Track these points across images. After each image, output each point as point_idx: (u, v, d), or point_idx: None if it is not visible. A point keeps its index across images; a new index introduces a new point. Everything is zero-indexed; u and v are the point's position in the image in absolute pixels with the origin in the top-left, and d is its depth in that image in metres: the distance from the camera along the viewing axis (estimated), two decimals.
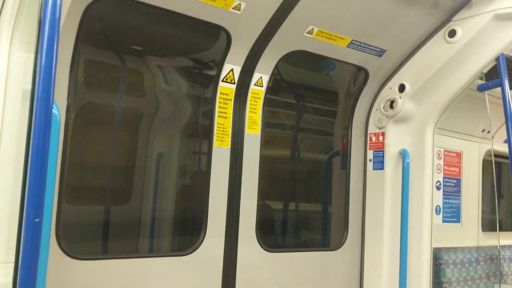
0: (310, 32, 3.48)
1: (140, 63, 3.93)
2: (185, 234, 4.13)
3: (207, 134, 3.46)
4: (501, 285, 4.36)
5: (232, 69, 3.42)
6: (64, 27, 2.51)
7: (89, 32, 3.07)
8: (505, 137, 3.55)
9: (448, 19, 3.68)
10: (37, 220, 1.67)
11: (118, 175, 4.08)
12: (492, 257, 4.45)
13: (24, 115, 2.17)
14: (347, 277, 4.06)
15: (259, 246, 3.55)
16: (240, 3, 3.07)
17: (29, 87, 2.11)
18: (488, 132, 4.63)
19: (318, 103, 4.87)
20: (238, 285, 3.44)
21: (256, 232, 3.54)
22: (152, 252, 4.05)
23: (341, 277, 4.02)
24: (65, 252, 2.78)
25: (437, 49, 3.74)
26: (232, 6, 3.07)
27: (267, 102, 3.69)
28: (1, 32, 2.29)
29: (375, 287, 3.99)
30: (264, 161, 3.67)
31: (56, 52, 1.82)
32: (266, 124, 3.75)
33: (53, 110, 1.84)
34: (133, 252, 3.90)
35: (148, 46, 3.84)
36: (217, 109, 3.41)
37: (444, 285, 3.94)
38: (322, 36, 3.54)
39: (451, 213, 4.25)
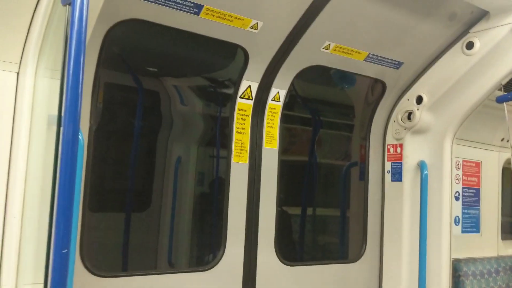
0: (327, 48, 3.49)
1: (157, 84, 3.97)
2: (205, 248, 4.18)
3: (226, 150, 3.49)
4: None
5: (249, 86, 3.45)
6: (87, 52, 2.56)
7: (109, 56, 3.13)
8: None
9: (465, 31, 3.66)
10: (65, 251, 1.71)
11: (138, 195, 4.15)
12: None
13: (49, 140, 2.22)
14: None
15: (278, 260, 3.57)
16: (257, 22, 3.10)
17: (54, 112, 2.17)
18: (507, 141, 4.59)
19: (334, 117, 4.87)
20: None
21: (275, 246, 3.56)
22: (172, 264, 4.10)
23: None
24: (89, 270, 2.84)
25: (455, 61, 3.72)
26: (250, 26, 3.10)
27: (284, 118, 3.71)
28: (27, 60, 2.35)
29: None
30: (282, 175, 3.69)
31: (82, 79, 1.87)
32: (284, 139, 3.76)
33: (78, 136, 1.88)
34: (152, 266, 3.95)
35: (166, 67, 3.89)
36: (235, 125, 3.44)
37: None
38: (339, 51, 3.55)
39: (470, 223, 4.22)
